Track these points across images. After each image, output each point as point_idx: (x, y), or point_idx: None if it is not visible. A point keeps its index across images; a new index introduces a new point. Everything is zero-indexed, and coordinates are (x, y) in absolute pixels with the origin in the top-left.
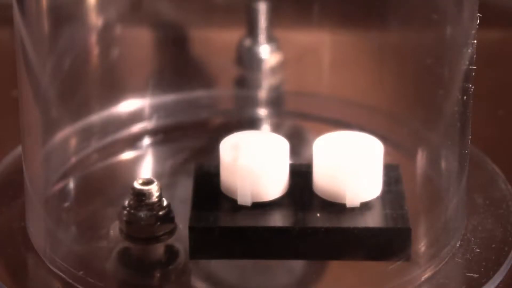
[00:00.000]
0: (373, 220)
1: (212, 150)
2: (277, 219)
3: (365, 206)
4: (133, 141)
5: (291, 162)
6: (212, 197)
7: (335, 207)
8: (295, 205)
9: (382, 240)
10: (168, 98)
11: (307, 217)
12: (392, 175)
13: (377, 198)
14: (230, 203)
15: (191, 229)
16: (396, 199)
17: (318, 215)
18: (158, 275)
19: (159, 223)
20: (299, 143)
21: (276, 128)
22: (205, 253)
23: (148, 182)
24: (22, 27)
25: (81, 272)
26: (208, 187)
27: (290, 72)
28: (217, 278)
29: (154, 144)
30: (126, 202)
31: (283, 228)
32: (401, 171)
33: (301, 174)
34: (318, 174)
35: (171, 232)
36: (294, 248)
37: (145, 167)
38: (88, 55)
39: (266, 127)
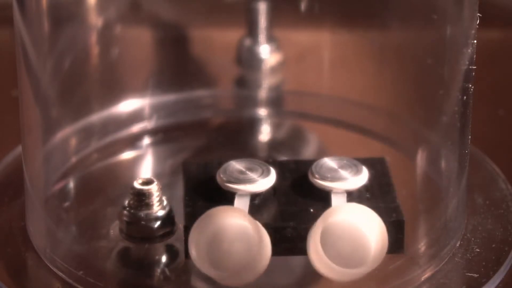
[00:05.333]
0: None
1: (212, 150)
2: (271, 216)
3: (357, 200)
4: (133, 141)
5: (280, 159)
6: (205, 195)
7: (329, 202)
8: (288, 201)
9: None
10: (168, 98)
11: (301, 214)
12: (379, 168)
13: (369, 192)
14: (223, 200)
15: (187, 228)
16: (387, 192)
17: (312, 210)
18: (158, 275)
19: (159, 223)
20: (299, 143)
21: (276, 128)
22: None
23: (148, 182)
24: (22, 27)
25: (81, 272)
26: (200, 185)
27: (290, 72)
28: None
29: (154, 144)
30: (126, 202)
31: (278, 225)
32: (387, 163)
33: (290, 171)
34: None
35: (171, 232)
36: (290, 244)
37: (145, 167)
38: (88, 55)
39: (266, 128)
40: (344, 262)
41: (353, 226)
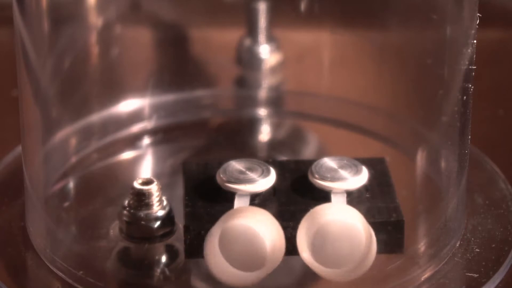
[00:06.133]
0: (367, 214)
1: (212, 150)
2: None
3: (357, 200)
4: (133, 141)
5: (280, 159)
6: (205, 195)
7: (328, 202)
8: (288, 201)
9: (376, 233)
10: (168, 98)
11: (301, 214)
12: (379, 168)
13: (369, 192)
14: (223, 200)
15: (187, 228)
16: (387, 192)
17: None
18: (158, 274)
19: (159, 223)
20: (299, 143)
21: (276, 128)
22: (202, 252)
23: (148, 182)
24: (22, 27)
25: (81, 272)
26: (200, 185)
27: (290, 72)
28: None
29: (154, 144)
30: (126, 202)
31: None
32: (387, 163)
33: (290, 171)
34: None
35: (171, 232)
36: (290, 244)
37: (145, 167)
38: (88, 55)
39: (266, 128)
40: (333, 262)
41: (350, 226)
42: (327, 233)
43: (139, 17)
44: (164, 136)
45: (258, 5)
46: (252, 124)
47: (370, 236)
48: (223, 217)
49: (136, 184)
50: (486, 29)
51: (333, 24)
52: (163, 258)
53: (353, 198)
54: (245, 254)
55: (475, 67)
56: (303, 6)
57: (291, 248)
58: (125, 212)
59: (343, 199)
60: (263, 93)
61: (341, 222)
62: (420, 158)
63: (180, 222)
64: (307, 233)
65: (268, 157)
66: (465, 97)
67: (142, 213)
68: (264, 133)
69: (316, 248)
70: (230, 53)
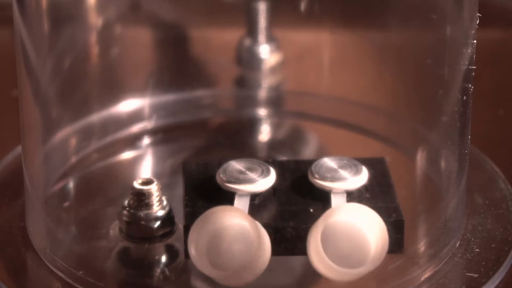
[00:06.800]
0: None
1: (212, 150)
2: (271, 216)
3: (357, 200)
4: (133, 141)
5: (280, 159)
6: (205, 195)
7: (328, 202)
8: (288, 201)
9: None
10: (168, 98)
11: (301, 214)
12: (379, 168)
13: (369, 192)
14: (223, 200)
15: (187, 228)
16: (387, 192)
17: (312, 210)
18: (158, 274)
19: (159, 223)
20: (299, 143)
21: (276, 128)
22: None
23: (148, 182)
24: (22, 27)
25: (81, 272)
26: (200, 185)
27: (290, 72)
28: None
29: (154, 144)
30: (126, 202)
31: (278, 225)
32: (387, 163)
33: (290, 171)
34: None
35: (171, 232)
36: (289, 244)
37: (145, 167)
38: (88, 55)
39: (266, 128)
40: (344, 262)
41: (353, 226)
42: (331, 234)
43: (139, 17)
44: (164, 136)
45: (258, 5)
46: (252, 124)
47: (381, 238)
48: (201, 219)
49: (136, 184)
50: (486, 29)
51: (333, 24)
52: (163, 258)
53: (353, 198)
54: (238, 253)
55: (475, 67)
56: (303, 6)
57: (291, 248)
58: (125, 212)
59: (343, 199)
60: (263, 93)
61: (344, 222)
62: (420, 158)
63: (180, 222)
64: (319, 231)
65: (268, 157)
66: (465, 97)
67: (142, 213)
68: (264, 133)
69: (324, 246)
70: (230, 53)
